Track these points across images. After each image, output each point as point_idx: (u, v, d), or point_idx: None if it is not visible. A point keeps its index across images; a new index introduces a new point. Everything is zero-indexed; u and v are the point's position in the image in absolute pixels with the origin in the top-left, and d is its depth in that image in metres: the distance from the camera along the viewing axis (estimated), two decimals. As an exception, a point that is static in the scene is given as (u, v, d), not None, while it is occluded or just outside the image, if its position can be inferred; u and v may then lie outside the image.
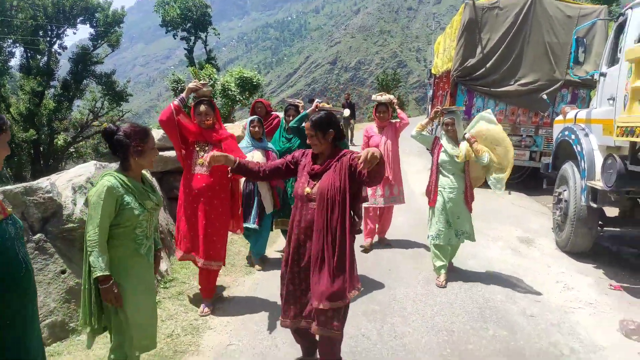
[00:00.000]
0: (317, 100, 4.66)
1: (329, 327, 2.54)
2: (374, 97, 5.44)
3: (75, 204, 3.27)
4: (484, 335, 3.60)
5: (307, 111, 4.36)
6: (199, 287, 4.00)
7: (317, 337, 2.76)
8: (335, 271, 2.51)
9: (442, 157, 4.50)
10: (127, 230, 2.38)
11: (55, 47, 19.16)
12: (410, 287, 4.45)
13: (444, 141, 4.52)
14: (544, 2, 8.97)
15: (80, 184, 3.42)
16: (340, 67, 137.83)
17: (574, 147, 5.36)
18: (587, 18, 8.57)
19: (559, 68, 8.78)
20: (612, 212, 5.62)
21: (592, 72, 5.78)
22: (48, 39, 18.93)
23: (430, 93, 15.15)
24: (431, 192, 4.61)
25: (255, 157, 4.63)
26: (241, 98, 20.94)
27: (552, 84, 8.80)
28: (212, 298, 3.96)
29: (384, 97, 5.28)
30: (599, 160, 4.86)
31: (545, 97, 7.59)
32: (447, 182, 4.49)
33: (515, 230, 6.48)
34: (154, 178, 4.90)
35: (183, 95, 3.66)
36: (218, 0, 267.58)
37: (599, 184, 4.68)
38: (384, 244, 5.71)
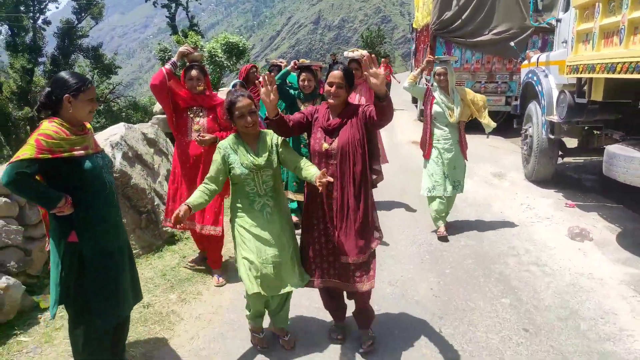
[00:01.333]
0: (283, 60, 4.76)
1: (367, 278, 2.57)
2: (345, 53, 5.30)
3: (115, 158, 3.95)
4: (456, 244, 4.42)
5: (287, 68, 4.36)
6: (202, 251, 4.03)
7: (345, 295, 2.81)
8: (362, 224, 2.50)
9: (436, 108, 4.44)
10: (238, 187, 2.62)
11: (39, 22, 19.21)
12: (398, 215, 5.25)
13: (437, 93, 4.45)
14: (513, -47, 9.45)
15: (116, 141, 4.08)
16: (324, 27, 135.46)
17: (536, 87, 6.07)
18: (555, -35, 9.06)
19: (529, 16, 9.35)
20: (572, 143, 6.41)
21: (550, 19, 6.42)
22: (31, 14, 18.98)
23: (413, 47, 15.60)
24: (426, 144, 4.56)
25: None
26: (228, 64, 21.20)
27: (524, 32, 9.40)
28: (221, 266, 3.89)
29: (356, 53, 5.15)
30: (555, 97, 5.57)
31: (513, 44, 8.20)
32: (441, 134, 4.46)
33: (490, 167, 7.26)
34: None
35: (174, 59, 3.55)
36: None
37: (555, 117, 5.42)
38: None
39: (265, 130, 2.67)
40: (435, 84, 4.51)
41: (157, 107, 8.17)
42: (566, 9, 5.63)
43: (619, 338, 2.91)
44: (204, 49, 21.98)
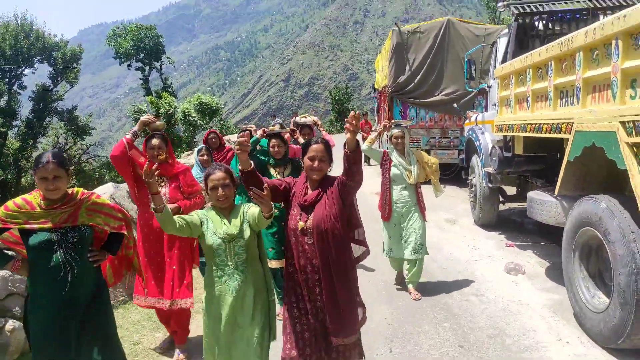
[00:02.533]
0: (252, 126, 4.77)
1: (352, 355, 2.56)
2: (296, 119, 5.37)
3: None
4: (408, 281, 5.04)
5: (257, 136, 4.40)
6: (171, 333, 3.74)
7: None
8: (347, 304, 2.44)
9: (394, 171, 4.55)
10: (208, 260, 2.56)
11: (15, 87, 19.77)
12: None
13: (394, 156, 4.55)
14: (455, 25, 10.81)
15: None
16: (294, 84, 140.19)
17: (475, 142, 6.98)
18: (491, 36, 10.39)
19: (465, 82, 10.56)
20: (513, 190, 7.27)
21: (482, 85, 7.47)
22: (7, 79, 19.57)
23: (375, 105, 16.84)
24: (386, 207, 4.62)
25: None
26: (202, 123, 22.11)
27: (469, 93, 10.56)
28: (185, 343, 3.66)
29: (308, 119, 5.21)
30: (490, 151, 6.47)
31: (455, 105, 9.27)
32: (400, 197, 4.56)
33: (444, 214, 8.02)
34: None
35: (135, 129, 3.49)
36: (165, 25, 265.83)
37: (490, 169, 6.28)
38: None
39: (241, 204, 2.67)
40: (391, 147, 4.62)
41: None
42: (494, 77, 6.66)
43: (536, 349, 3.53)
44: (178, 109, 22.94)
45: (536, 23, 5.84)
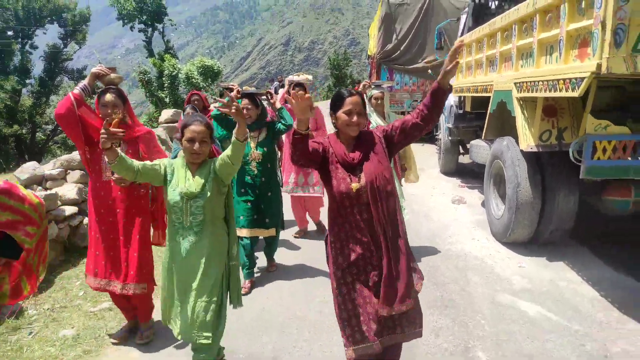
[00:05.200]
0: (235, 84, 4.33)
1: (416, 326, 2.27)
2: (290, 77, 5.29)
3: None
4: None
5: (232, 94, 3.76)
6: (122, 331, 3.33)
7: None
8: (410, 269, 2.22)
9: None
10: (169, 214, 2.51)
11: (27, 47, 20.76)
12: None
13: (372, 117, 4.47)
14: (439, -1, 11.93)
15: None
16: (294, 48, 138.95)
17: (442, 103, 8.33)
18: (470, 9, 11.54)
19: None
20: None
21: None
22: (20, 39, 20.53)
23: (369, 71, 17.99)
24: None
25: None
26: (204, 85, 23.19)
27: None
28: (150, 320, 3.36)
29: (302, 76, 5.11)
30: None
31: (430, 72, 10.55)
32: None
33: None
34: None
35: (85, 82, 3.00)
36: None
37: (450, 124, 7.67)
38: (321, 231, 5.49)
39: (212, 159, 2.50)
40: (371, 108, 4.55)
41: (164, 116, 9.78)
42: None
43: (456, 243, 5.02)
44: (182, 71, 23.95)
45: (490, 3, 7.08)
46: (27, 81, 20.66)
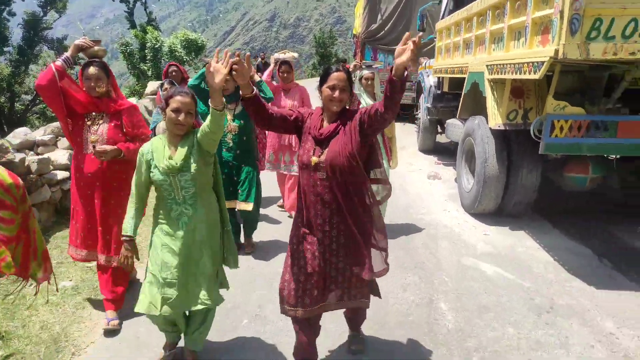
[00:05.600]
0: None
1: (362, 297, 2.45)
2: (276, 55, 5.28)
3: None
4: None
5: (205, 68, 3.73)
6: (102, 295, 3.17)
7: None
8: (360, 244, 2.29)
9: None
10: (158, 194, 2.48)
11: (4, 14, 20.21)
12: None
13: (362, 98, 4.46)
14: (424, -20, 12.10)
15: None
16: (279, 24, 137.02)
17: (422, 84, 8.65)
18: (454, -8, 11.78)
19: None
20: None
21: (430, 36, 9.02)
22: (-4, 6, 19.98)
23: (353, 50, 18.13)
24: None
25: (161, 125, 4.39)
26: (188, 59, 22.99)
27: (432, 42, 12.07)
28: (120, 308, 3.15)
29: (288, 54, 5.08)
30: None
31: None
32: None
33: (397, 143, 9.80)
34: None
35: (68, 54, 2.97)
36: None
37: (428, 104, 8.00)
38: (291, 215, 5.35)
39: (194, 130, 2.47)
40: (362, 88, 4.54)
41: (149, 88, 9.91)
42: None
43: (427, 214, 5.40)
44: (165, 45, 23.66)
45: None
46: (5, 49, 20.18)
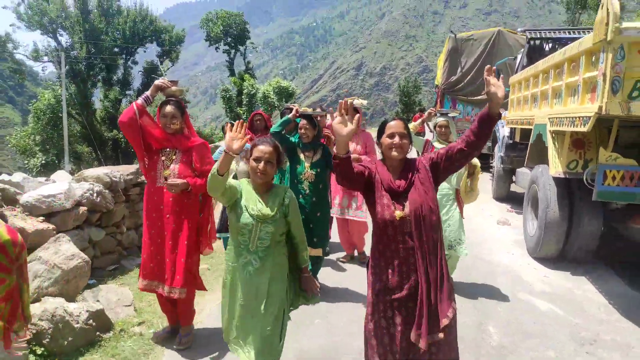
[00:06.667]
0: (296, 105, 4.55)
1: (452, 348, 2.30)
2: (351, 100, 4.81)
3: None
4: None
5: (289, 116, 4.07)
6: (171, 324, 3.54)
7: None
8: (447, 300, 2.18)
9: None
10: (232, 236, 2.50)
11: (129, 62, 23.74)
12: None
13: (436, 144, 4.41)
14: (505, 35, 12.58)
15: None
16: (365, 73, 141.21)
17: (497, 134, 9.02)
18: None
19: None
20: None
21: (507, 89, 9.40)
22: (124, 56, 23.58)
23: (434, 99, 18.74)
24: None
25: (240, 166, 4.45)
26: (279, 104, 25.07)
27: (506, 95, 12.38)
28: (190, 326, 3.48)
29: (357, 101, 5.10)
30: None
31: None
32: (439, 188, 4.04)
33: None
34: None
35: (148, 93, 3.21)
36: (244, 7, 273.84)
37: (502, 153, 8.34)
38: (361, 260, 5.36)
39: (279, 185, 2.57)
40: (435, 136, 4.54)
41: None
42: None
43: (494, 255, 5.73)
44: (259, 91, 26.05)
45: (544, 45, 7.77)
46: (127, 92, 23.51)
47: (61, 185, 4.67)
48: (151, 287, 3.31)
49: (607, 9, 3.64)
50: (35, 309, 3.27)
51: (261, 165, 2.40)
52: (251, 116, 5.17)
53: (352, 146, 5.10)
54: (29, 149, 22.60)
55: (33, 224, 4.27)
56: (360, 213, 5.18)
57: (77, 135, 22.31)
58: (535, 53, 7.71)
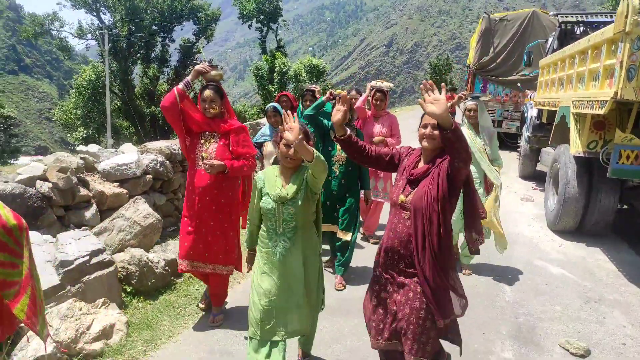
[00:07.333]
0: (317, 86, 4.67)
1: (420, 352, 2.22)
2: (372, 83, 5.27)
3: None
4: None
5: (323, 98, 4.09)
6: (206, 295, 3.75)
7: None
8: (437, 289, 2.20)
9: None
10: (263, 221, 2.62)
11: (167, 40, 24.54)
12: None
13: (464, 129, 4.28)
14: (539, 16, 12.60)
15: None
16: (396, 50, 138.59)
17: (525, 114, 9.31)
18: (570, 27, 12.12)
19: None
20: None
21: (535, 71, 9.62)
22: (161, 33, 24.41)
23: (466, 79, 18.81)
24: None
25: (268, 147, 4.69)
26: (310, 83, 25.47)
27: (536, 77, 12.46)
28: (222, 305, 3.68)
29: (385, 84, 5.07)
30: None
31: (519, 85, 11.38)
32: None
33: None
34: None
35: (189, 78, 3.29)
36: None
37: (529, 133, 8.66)
38: (370, 241, 5.46)
39: (305, 166, 2.52)
40: (465, 119, 4.49)
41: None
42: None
43: (514, 226, 6.18)
44: (291, 69, 26.47)
45: (576, 28, 7.97)
46: (165, 69, 24.38)
47: (132, 156, 5.37)
48: (189, 268, 3.43)
49: (627, 3, 3.99)
50: (121, 256, 4.01)
51: (291, 150, 2.47)
52: (277, 97, 5.25)
53: (378, 128, 5.17)
54: (71, 122, 23.87)
55: (110, 188, 5.01)
56: (385, 194, 5.33)
57: (117, 110, 23.47)
58: (566, 37, 7.94)
